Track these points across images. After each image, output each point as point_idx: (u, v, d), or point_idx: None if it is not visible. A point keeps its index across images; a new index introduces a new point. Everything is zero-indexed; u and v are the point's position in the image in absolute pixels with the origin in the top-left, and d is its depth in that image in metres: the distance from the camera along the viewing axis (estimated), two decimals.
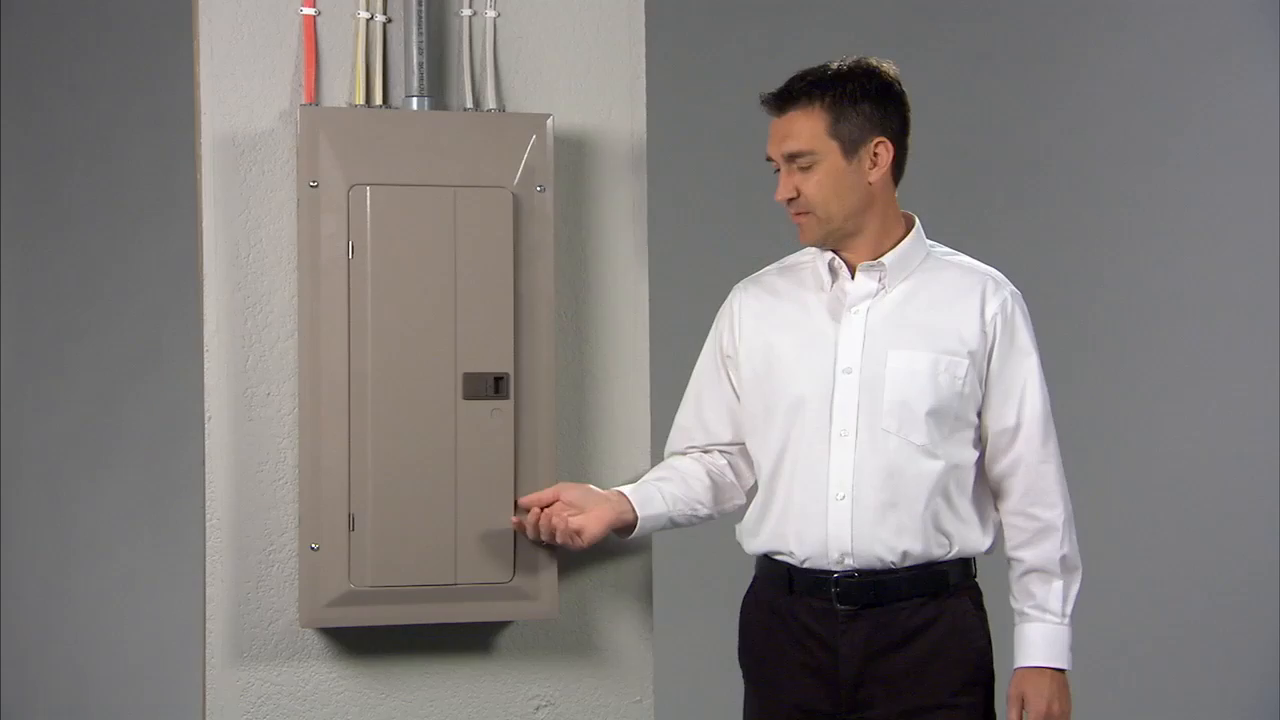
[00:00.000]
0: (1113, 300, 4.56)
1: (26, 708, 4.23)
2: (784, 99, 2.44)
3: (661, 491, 2.54)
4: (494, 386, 2.52)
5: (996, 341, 2.43)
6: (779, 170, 2.46)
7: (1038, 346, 2.47)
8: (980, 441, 2.46)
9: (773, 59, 4.56)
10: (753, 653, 2.57)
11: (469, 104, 2.64)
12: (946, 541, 2.42)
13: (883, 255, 2.45)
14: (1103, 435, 4.39)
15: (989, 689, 2.48)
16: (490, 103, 2.66)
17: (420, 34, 2.59)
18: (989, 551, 2.49)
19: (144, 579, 4.26)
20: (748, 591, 2.59)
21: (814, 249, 2.51)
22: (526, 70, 2.70)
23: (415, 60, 2.59)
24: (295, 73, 2.60)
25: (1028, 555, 2.45)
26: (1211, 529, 4.50)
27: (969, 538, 2.44)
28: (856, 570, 2.41)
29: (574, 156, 2.69)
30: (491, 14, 2.68)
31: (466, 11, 2.66)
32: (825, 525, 2.41)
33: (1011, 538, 2.47)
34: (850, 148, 2.42)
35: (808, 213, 2.42)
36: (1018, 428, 2.43)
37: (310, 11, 2.60)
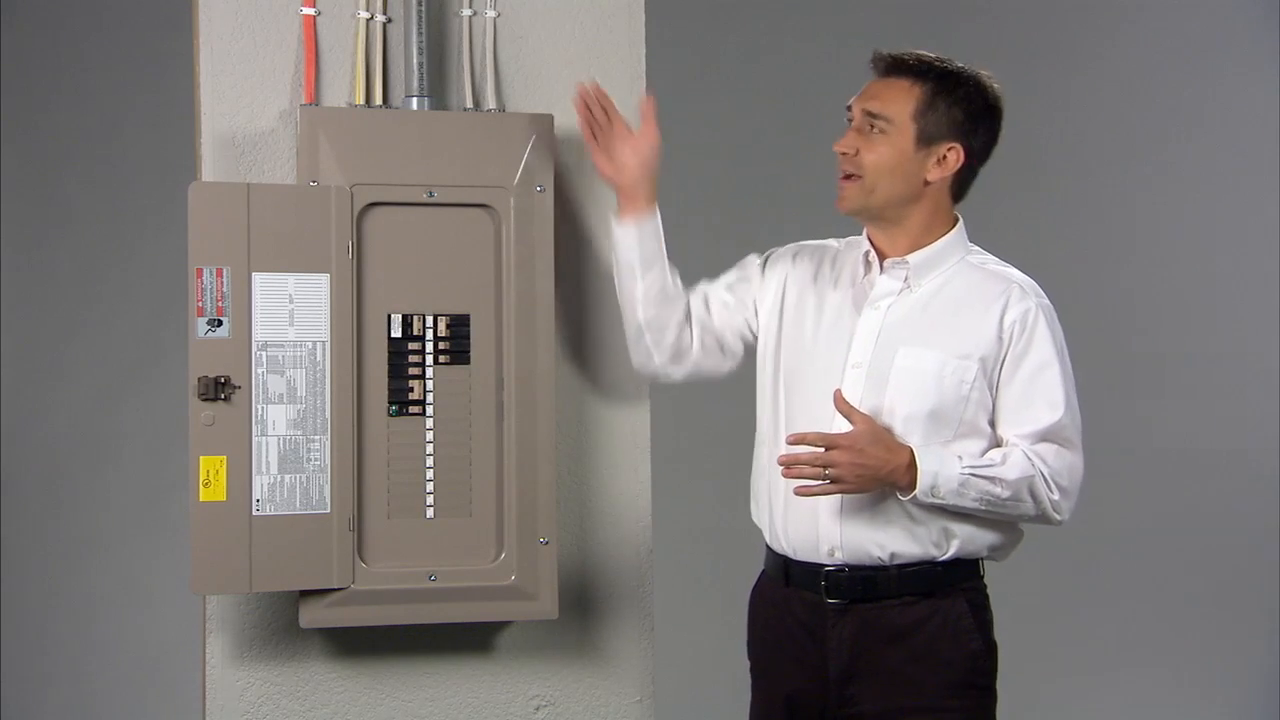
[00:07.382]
0: (1111, 299, 4.56)
1: (27, 708, 4.22)
2: (892, 65, 2.44)
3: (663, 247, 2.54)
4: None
5: (1010, 350, 2.39)
6: (851, 122, 2.44)
7: (1064, 360, 2.41)
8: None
9: (772, 59, 4.56)
10: (755, 644, 2.57)
11: (469, 104, 2.64)
12: (942, 543, 2.38)
13: (913, 253, 2.44)
14: (1102, 434, 4.38)
15: (985, 694, 2.42)
16: (490, 103, 2.66)
17: (420, 34, 2.59)
18: (996, 555, 2.44)
19: (144, 578, 4.26)
20: (755, 583, 2.59)
21: (863, 239, 2.50)
22: (526, 70, 2.70)
23: (415, 60, 2.59)
24: (295, 73, 2.59)
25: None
26: (1211, 529, 4.49)
27: (969, 540, 2.39)
28: (846, 565, 2.40)
29: (574, 156, 2.69)
30: (491, 14, 2.68)
31: (466, 11, 2.66)
32: (815, 517, 2.40)
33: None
34: (925, 139, 2.42)
35: (856, 177, 2.41)
36: (1028, 440, 2.37)
37: (310, 11, 2.60)
